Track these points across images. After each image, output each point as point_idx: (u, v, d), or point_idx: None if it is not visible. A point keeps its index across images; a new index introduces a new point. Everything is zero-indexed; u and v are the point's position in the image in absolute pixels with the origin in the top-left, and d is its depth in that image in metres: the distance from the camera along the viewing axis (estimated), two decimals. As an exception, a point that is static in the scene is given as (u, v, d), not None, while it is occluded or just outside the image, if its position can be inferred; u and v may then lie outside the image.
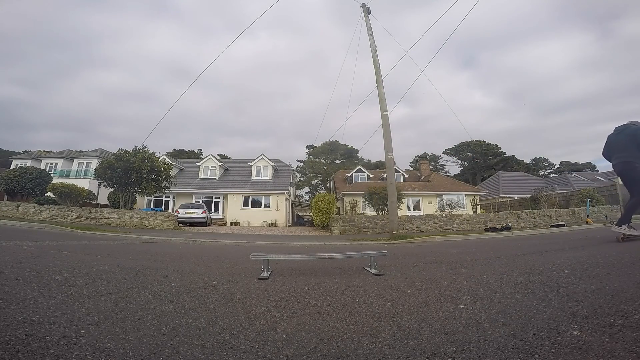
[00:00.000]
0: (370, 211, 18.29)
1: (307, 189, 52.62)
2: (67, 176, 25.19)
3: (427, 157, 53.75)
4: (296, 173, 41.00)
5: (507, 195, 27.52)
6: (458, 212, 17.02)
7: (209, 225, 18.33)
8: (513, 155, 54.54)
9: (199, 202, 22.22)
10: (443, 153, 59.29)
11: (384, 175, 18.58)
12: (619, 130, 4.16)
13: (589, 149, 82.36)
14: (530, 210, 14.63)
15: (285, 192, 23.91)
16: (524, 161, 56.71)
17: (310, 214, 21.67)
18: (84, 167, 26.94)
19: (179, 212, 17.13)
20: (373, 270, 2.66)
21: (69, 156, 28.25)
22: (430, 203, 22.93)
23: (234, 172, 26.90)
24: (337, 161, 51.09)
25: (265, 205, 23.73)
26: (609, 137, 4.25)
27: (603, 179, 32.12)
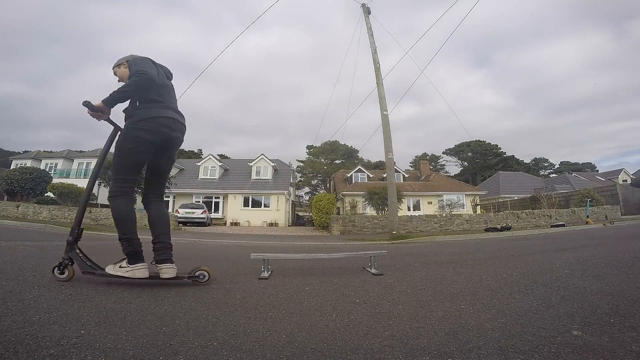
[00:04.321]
0: (370, 211, 18.29)
1: (307, 189, 52.61)
2: (67, 176, 25.17)
3: (427, 157, 53.74)
4: (296, 173, 40.98)
5: (507, 195, 27.53)
6: (458, 212, 17.02)
7: (209, 225, 18.32)
8: (513, 155, 54.58)
9: (199, 202, 22.22)
10: (443, 153, 59.33)
11: (384, 175, 18.57)
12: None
13: (595, 149, 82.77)
14: (530, 210, 14.62)
15: (285, 192, 23.91)
16: (524, 161, 56.78)
17: (310, 214, 21.67)
18: (84, 167, 26.92)
19: (178, 212, 17.12)
20: (373, 270, 2.66)
21: (69, 156, 28.24)
22: (430, 203, 22.93)
23: (234, 172, 26.89)
24: (337, 161, 51.08)
25: (265, 205, 23.73)
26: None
27: (603, 179, 32.16)
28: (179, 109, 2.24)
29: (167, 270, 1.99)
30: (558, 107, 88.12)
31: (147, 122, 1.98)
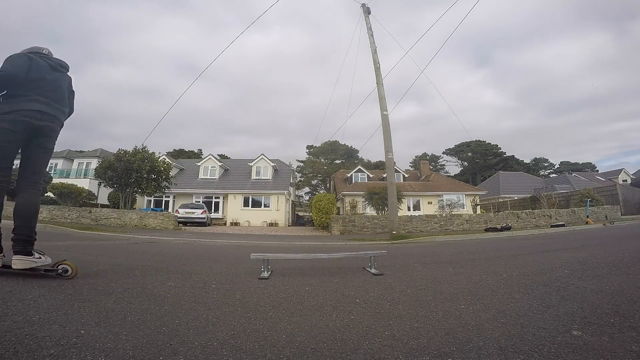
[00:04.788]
0: (370, 211, 18.30)
1: (307, 189, 52.58)
2: (67, 176, 25.16)
3: (427, 157, 53.70)
4: (296, 173, 40.99)
5: (507, 195, 27.52)
6: (458, 212, 17.01)
7: (209, 225, 18.31)
8: (513, 155, 54.57)
9: (199, 202, 22.20)
10: (443, 153, 59.33)
11: (384, 175, 18.57)
12: (53, 64, 2.28)
13: (595, 149, 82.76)
14: (530, 210, 14.63)
15: (285, 192, 23.91)
16: (524, 161, 56.74)
17: (310, 214, 21.66)
18: (84, 167, 26.93)
19: (179, 212, 17.12)
20: (373, 270, 2.67)
21: (69, 156, 28.22)
22: (430, 203, 22.92)
23: (234, 172, 26.88)
24: (337, 161, 51.09)
25: (265, 205, 23.72)
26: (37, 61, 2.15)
27: (603, 179, 32.17)
28: (61, 101, 2.26)
29: (16, 262, 1.99)
30: (558, 107, 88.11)
31: (8, 114, 2.01)
